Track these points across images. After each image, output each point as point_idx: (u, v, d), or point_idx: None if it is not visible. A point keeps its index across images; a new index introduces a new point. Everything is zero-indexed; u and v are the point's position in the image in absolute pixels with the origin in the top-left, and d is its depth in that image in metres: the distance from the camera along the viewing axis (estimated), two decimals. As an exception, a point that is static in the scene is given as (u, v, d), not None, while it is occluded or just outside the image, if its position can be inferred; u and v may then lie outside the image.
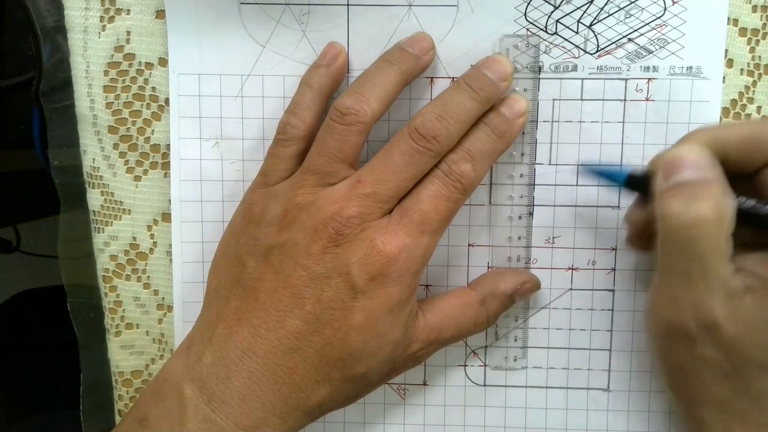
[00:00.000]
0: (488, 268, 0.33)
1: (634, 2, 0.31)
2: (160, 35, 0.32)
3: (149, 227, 0.34)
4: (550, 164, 0.32)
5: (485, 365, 0.33)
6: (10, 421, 0.62)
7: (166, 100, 0.32)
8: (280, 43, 0.32)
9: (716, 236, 0.24)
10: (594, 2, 0.31)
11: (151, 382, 0.29)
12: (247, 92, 0.32)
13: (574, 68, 0.31)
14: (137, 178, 0.33)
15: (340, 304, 0.27)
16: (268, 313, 0.27)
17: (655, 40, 0.31)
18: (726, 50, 0.31)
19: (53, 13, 0.32)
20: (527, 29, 0.31)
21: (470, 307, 0.30)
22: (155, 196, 0.33)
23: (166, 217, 0.33)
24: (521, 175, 0.32)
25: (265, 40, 0.32)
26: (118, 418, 0.35)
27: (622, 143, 0.31)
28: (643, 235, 0.29)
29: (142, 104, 0.32)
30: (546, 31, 0.31)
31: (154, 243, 0.34)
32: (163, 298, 0.34)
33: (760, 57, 0.31)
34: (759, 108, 0.32)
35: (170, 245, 0.33)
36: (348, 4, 0.31)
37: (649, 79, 0.31)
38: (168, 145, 0.33)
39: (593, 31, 0.31)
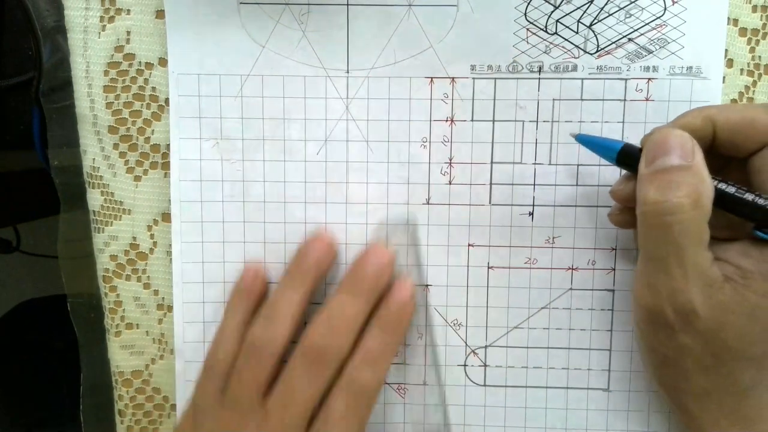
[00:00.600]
0: (488, 268, 0.33)
1: (634, 2, 0.31)
2: (160, 35, 0.32)
3: (149, 227, 0.34)
4: (550, 164, 0.32)
5: (485, 365, 0.33)
6: (10, 422, 0.62)
7: (166, 100, 0.32)
8: (280, 43, 0.32)
9: (692, 224, 0.24)
10: (594, 2, 0.31)
11: None
12: (246, 92, 0.32)
13: (574, 68, 0.31)
14: (137, 178, 0.33)
15: None
16: None
17: (655, 40, 0.31)
18: (726, 50, 0.31)
19: (53, 13, 0.32)
20: (527, 29, 0.31)
21: None
22: (155, 196, 0.33)
23: (166, 217, 0.33)
24: (521, 175, 0.32)
25: (264, 40, 0.32)
26: (118, 418, 0.35)
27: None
28: (625, 212, 0.29)
29: (142, 104, 0.32)
30: (546, 31, 0.31)
31: (154, 243, 0.34)
32: (163, 298, 0.34)
33: (760, 57, 0.31)
34: (759, 108, 0.32)
35: (170, 245, 0.33)
36: (348, 4, 0.31)
37: (649, 79, 0.31)
38: (168, 145, 0.33)
39: (593, 31, 0.31)
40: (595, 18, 0.31)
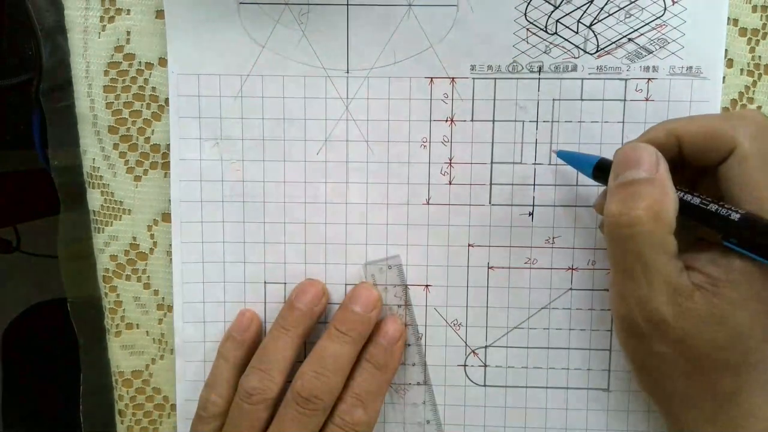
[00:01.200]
0: (488, 268, 0.33)
1: (634, 2, 0.31)
2: (160, 35, 0.32)
3: (149, 227, 0.34)
4: (550, 164, 0.32)
5: (485, 365, 0.33)
6: (10, 422, 0.62)
7: (166, 100, 0.32)
8: (280, 43, 0.32)
9: (654, 235, 0.25)
10: (594, 2, 0.31)
11: None
12: (246, 92, 0.32)
13: (574, 68, 0.31)
14: (137, 178, 0.33)
15: None
16: None
17: (655, 40, 0.31)
18: (726, 50, 0.31)
19: (53, 13, 0.32)
20: (527, 29, 0.31)
21: None
22: (155, 196, 0.33)
23: (166, 217, 0.33)
24: (521, 176, 0.32)
25: (264, 40, 0.32)
26: (118, 418, 0.35)
27: (622, 143, 0.31)
28: None
29: (142, 104, 0.32)
30: (546, 31, 0.31)
31: (154, 243, 0.34)
32: (163, 298, 0.34)
33: (760, 57, 0.31)
34: (759, 108, 0.32)
35: (170, 245, 0.33)
36: (347, 4, 0.31)
37: (649, 79, 0.31)
38: (168, 145, 0.33)
39: (593, 31, 0.31)
40: (595, 18, 0.31)
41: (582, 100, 0.31)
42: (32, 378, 0.64)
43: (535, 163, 0.32)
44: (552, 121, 0.32)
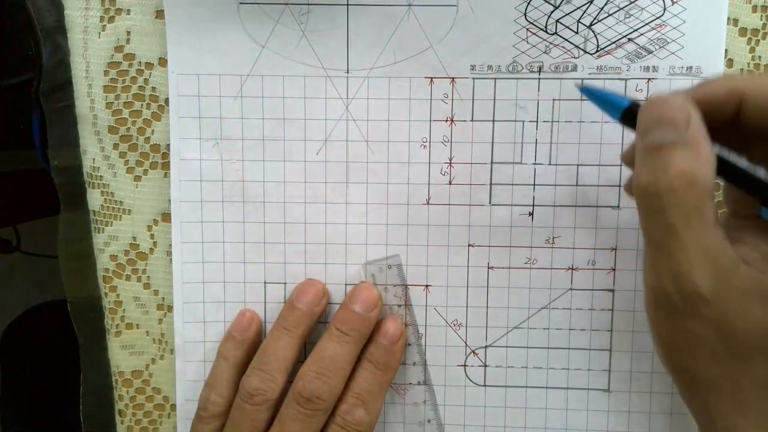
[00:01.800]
0: (488, 268, 0.33)
1: (633, 2, 0.31)
2: (160, 35, 0.32)
3: (149, 227, 0.34)
4: (550, 164, 0.32)
5: (485, 365, 0.33)
6: (10, 422, 0.62)
7: (166, 100, 0.32)
8: (280, 43, 0.32)
9: (689, 204, 0.22)
10: (594, 2, 0.31)
11: None
12: (246, 92, 0.32)
13: (574, 68, 0.31)
14: (137, 178, 0.33)
15: None
16: None
17: (655, 40, 0.31)
18: (726, 50, 0.31)
19: (53, 13, 0.32)
20: (527, 29, 0.31)
21: None
22: (155, 196, 0.33)
23: (166, 217, 0.33)
24: (521, 176, 0.32)
25: (264, 40, 0.32)
26: (118, 418, 0.35)
27: (622, 143, 0.31)
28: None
29: (142, 104, 0.32)
30: (546, 31, 0.31)
31: (154, 243, 0.34)
32: (163, 298, 0.34)
33: (760, 57, 0.31)
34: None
35: (170, 245, 0.33)
36: (347, 4, 0.31)
37: (649, 79, 0.31)
38: (168, 145, 0.33)
39: (593, 31, 0.31)
40: (594, 18, 0.31)
41: (582, 100, 0.31)
42: (32, 378, 0.64)
43: (535, 163, 0.32)
44: (552, 121, 0.32)
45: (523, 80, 0.31)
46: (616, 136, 0.31)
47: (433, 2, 0.31)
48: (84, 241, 0.34)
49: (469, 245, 0.33)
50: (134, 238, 0.34)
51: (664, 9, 0.31)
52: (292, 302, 0.32)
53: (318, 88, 0.32)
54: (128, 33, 0.32)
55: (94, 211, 0.33)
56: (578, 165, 0.32)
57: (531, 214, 0.32)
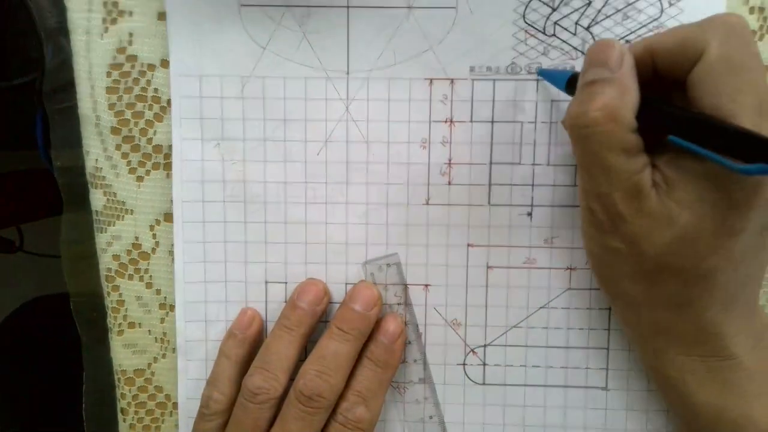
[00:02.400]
0: (487, 268, 0.33)
1: (631, 4, 0.31)
2: (162, 37, 0.32)
3: (151, 227, 0.34)
4: (548, 165, 0.32)
5: (484, 364, 0.34)
6: (12, 420, 0.62)
7: (168, 102, 0.33)
8: (281, 45, 0.32)
9: (611, 135, 0.24)
10: (592, 4, 0.31)
11: None
12: (248, 93, 0.32)
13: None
14: (140, 179, 0.33)
15: None
16: None
17: (653, 42, 0.31)
18: (723, 51, 0.31)
19: (56, 14, 0.32)
20: (525, 31, 0.31)
21: None
22: (157, 197, 0.34)
23: (168, 217, 0.34)
24: (520, 176, 0.32)
25: (265, 42, 0.32)
26: (120, 417, 0.35)
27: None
28: None
29: (144, 105, 0.33)
30: (544, 33, 0.31)
31: (157, 243, 0.34)
32: (165, 297, 0.34)
33: (757, 58, 0.32)
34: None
35: (172, 245, 0.34)
36: (348, 6, 0.31)
37: (647, 80, 0.31)
38: (170, 146, 0.33)
39: (591, 33, 0.31)
40: (592, 20, 0.31)
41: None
42: (32, 378, 0.64)
43: (533, 164, 0.32)
44: (550, 122, 0.32)
45: (522, 81, 0.32)
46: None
47: (433, 4, 0.31)
48: (87, 240, 0.34)
49: (468, 245, 0.33)
50: (136, 238, 0.34)
51: (662, 11, 0.31)
52: (293, 301, 0.32)
53: (318, 89, 0.32)
54: (130, 35, 0.32)
55: (96, 211, 0.34)
56: (576, 165, 0.32)
57: (530, 214, 0.33)
